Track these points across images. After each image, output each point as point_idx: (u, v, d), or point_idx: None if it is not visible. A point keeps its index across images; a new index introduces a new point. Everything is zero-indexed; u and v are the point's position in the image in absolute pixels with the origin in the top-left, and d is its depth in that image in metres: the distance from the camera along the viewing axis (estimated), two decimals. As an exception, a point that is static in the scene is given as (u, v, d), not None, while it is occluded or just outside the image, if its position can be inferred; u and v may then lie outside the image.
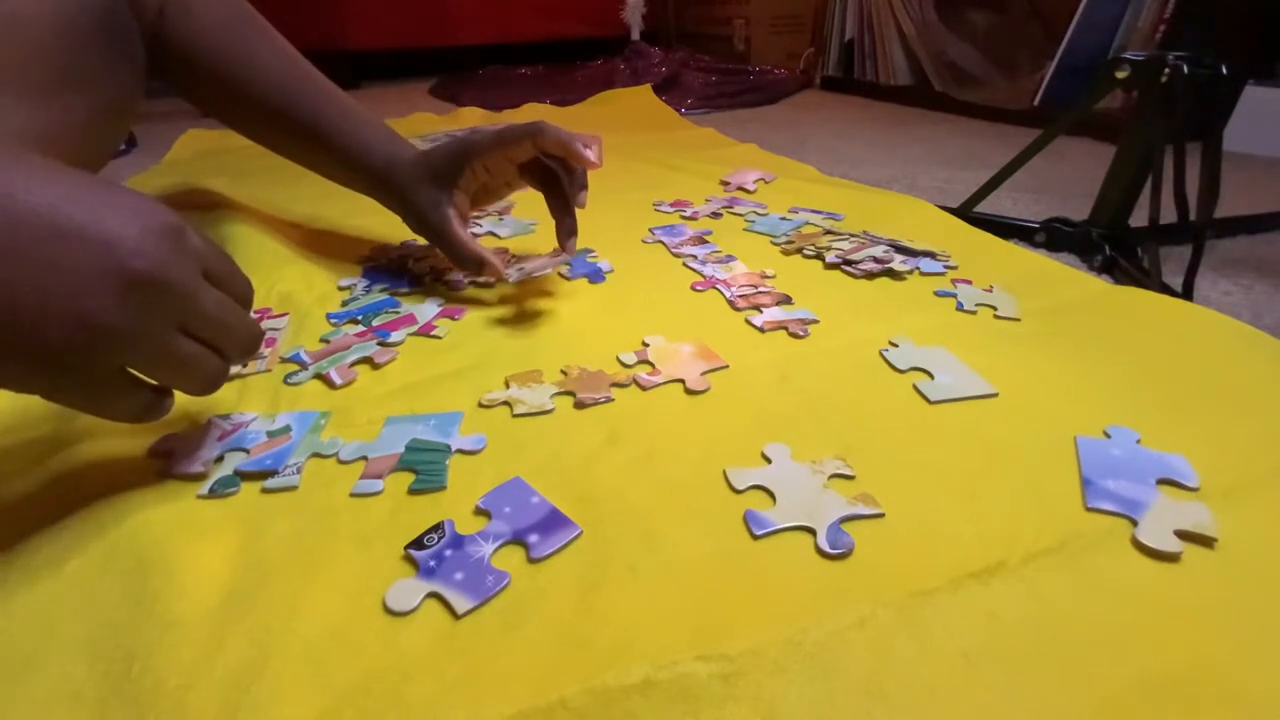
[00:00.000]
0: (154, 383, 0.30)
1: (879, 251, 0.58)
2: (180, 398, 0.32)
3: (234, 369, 0.43)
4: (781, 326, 0.48)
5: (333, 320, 0.50)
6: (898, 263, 0.57)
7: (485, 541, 0.30)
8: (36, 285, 0.25)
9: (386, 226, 0.71)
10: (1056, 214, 0.69)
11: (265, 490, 0.34)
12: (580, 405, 0.40)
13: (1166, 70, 0.59)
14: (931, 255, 0.59)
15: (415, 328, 0.49)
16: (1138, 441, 0.36)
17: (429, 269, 0.58)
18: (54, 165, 0.27)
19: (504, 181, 0.54)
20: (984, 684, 0.24)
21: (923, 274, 0.56)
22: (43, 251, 0.25)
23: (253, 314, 0.33)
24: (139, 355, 0.28)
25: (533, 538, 0.30)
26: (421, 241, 0.65)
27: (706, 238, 0.65)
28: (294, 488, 0.34)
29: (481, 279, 0.53)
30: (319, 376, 0.43)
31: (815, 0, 1.78)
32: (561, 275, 0.58)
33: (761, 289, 0.54)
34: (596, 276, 0.58)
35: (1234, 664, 0.25)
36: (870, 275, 0.56)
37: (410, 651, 0.26)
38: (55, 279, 0.25)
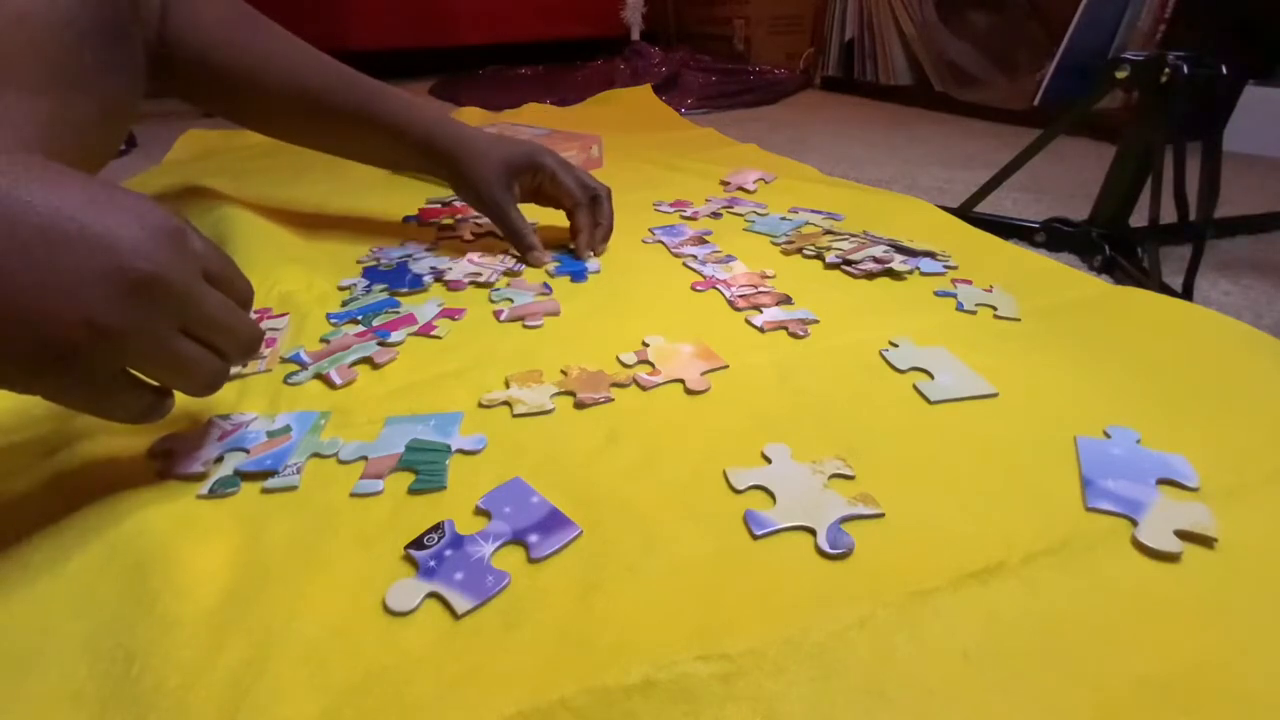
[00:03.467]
0: (155, 384, 0.30)
1: (879, 251, 0.58)
2: (180, 397, 0.32)
3: (234, 369, 0.43)
4: (781, 326, 0.48)
5: (333, 320, 0.50)
6: (898, 263, 0.57)
7: (485, 541, 0.30)
8: (38, 286, 0.25)
9: (387, 227, 0.71)
10: (1056, 214, 0.69)
11: (265, 490, 0.34)
12: (580, 405, 0.40)
13: (1166, 70, 0.59)
14: (931, 255, 0.59)
15: (415, 328, 0.49)
16: (1138, 441, 0.36)
17: (429, 269, 0.58)
18: (55, 167, 0.27)
19: (550, 196, 0.62)
20: (984, 684, 0.24)
21: (923, 274, 0.56)
22: (45, 253, 0.25)
23: (252, 314, 0.33)
24: (140, 356, 0.28)
25: (533, 538, 0.30)
26: (423, 241, 0.65)
27: (706, 238, 0.65)
28: (294, 488, 0.34)
29: (527, 259, 0.60)
30: (319, 376, 0.43)
31: (815, 0, 1.78)
32: (548, 273, 0.58)
33: (761, 289, 0.54)
34: (579, 276, 0.57)
35: (1234, 664, 0.25)
36: (870, 275, 0.56)
37: (410, 651, 0.26)
38: (57, 280, 0.25)
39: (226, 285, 0.31)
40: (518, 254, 0.61)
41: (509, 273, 0.58)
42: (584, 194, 0.61)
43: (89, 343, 0.26)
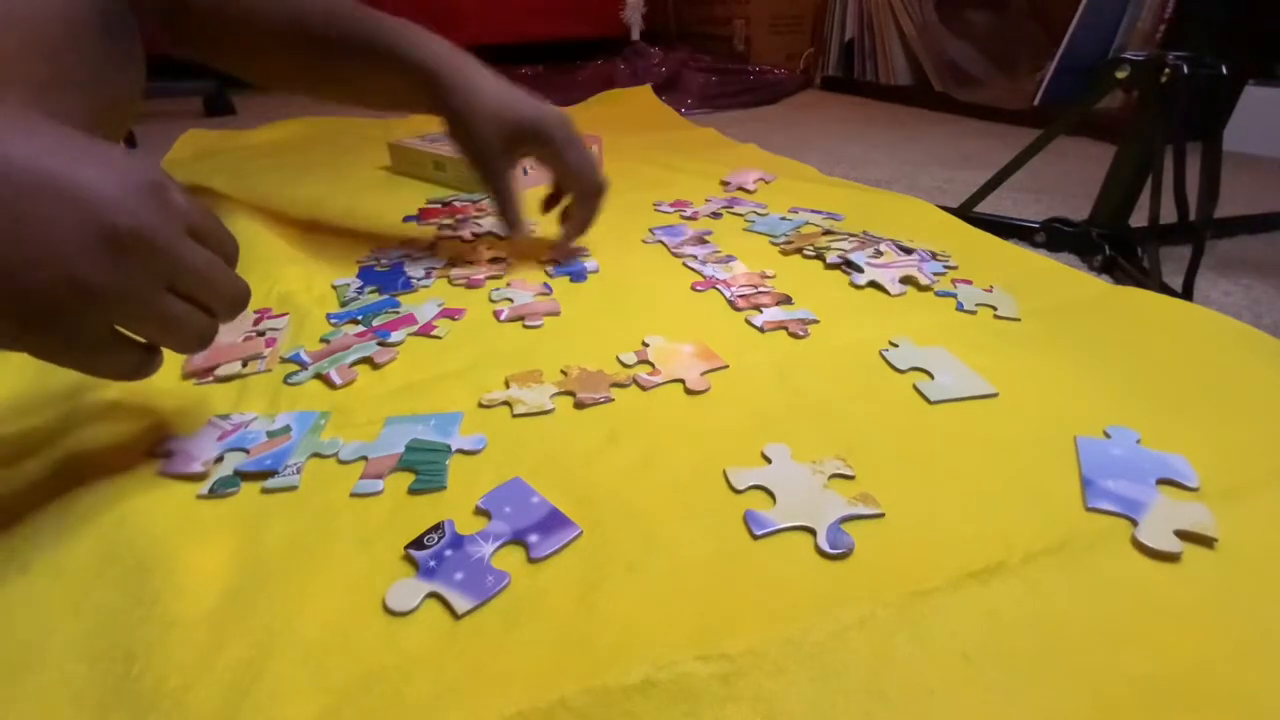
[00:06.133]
0: (142, 341, 0.30)
1: (911, 269, 0.56)
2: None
3: (234, 369, 0.43)
4: (781, 326, 0.48)
5: (333, 320, 0.50)
6: (923, 277, 0.54)
7: (485, 541, 0.30)
8: (20, 241, 0.24)
9: (387, 227, 0.71)
10: (1056, 214, 0.69)
11: (265, 490, 0.34)
12: (580, 405, 0.40)
13: (1166, 70, 0.59)
14: (931, 255, 0.59)
15: (415, 328, 0.49)
16: (1138, 441, 0.36)
17: (424, 270, 0.58)
18: (35, 119, 0.27)
19: (551, 171, 0.59)
20: (984, 684, 0.24)
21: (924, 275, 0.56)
22: (24, 206, 0.24)
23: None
24: (126, 313, 0.28)
25: (533, 538, 0.30)
26: (423, 242, 0.65)
27: (706, 238, 0.65)
28: (294, 488, 0.34)
29: (510, 232, 0.58)
30: (319, 376, 0.43)
31: (815, 0, 1.78)
32: (548, 273, 0.58)
33: (761, 289, 0.54)
34: (579, 276, 0.58)
35: (1234, 664, 0.25)
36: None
37: (410, 651, 0.26)
38: (39, 234, 0.25)
39: (211, 241, 0.31)
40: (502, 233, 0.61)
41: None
42: (590, 184, 0.57)
43: (73, 300, 0.26)
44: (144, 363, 0.31)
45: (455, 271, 0.58)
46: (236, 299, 0.32)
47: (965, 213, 0.71)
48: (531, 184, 0.85)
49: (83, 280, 0.25)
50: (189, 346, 0.31)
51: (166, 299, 0.29)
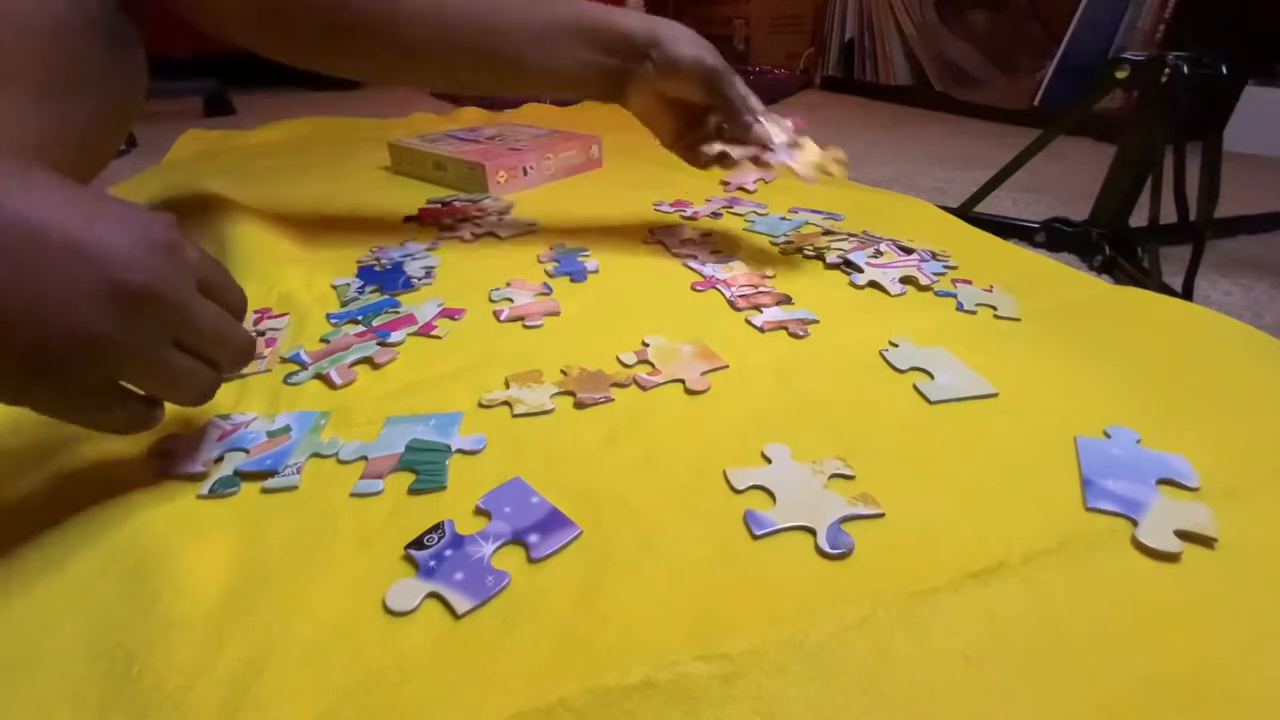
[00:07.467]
0: (144, 394, 0.30)
1: (910, 270, 0.56)
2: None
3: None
4: (781, 326, 0.48)
5: (333, 320, 0.50)
6: (923, 277, 0.55)
7: (485, 541, 0.30)
8: (31, 296, 0.25)
9: (387, 227, 0.71)
10: (1056, 214, 0.69)
11: (265, 490, 0.34)
12: (580, 405, 0.40)
13: (1166, 70, 0.59)
14: (931, 255, 0.59)
15: (415, 328, 0.49)
16: (1138, 441, 0.36)
17: (423, 270, 0.58)
18: (50, 176, 0.27)
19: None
20: (984, 684, 0.24)
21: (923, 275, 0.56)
22: (38, 263, 0.25)
23: (252, 315, 0.33)
24: (132, 368, 0.28)
25: (533, 538, 0.30)
26: (423, 241, 0.65)
27: (706, 238, 0.65)
28: (294, 488, 0.34)
29: (751, 133, 0.55)
30: (319, 376, 0.43)
31: (815, 0, 1.79)
32: (548, 273, 0.58)
33: (761, 289, 0.54)
34: (579, 276, 0.57)
35: (1234, 664, 0.25)
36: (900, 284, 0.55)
37: (410, 651, 0.26)
38: (50, 291, 0.25)
39: (220, 295, 0.31)
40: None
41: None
42: (750, 109, 0.56)
43: (81, 355, 0.26)
44: (146, 417, 0.31)
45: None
46: (242, 354, 0.32)
47: (965, 213, 0.71)
48: (530, 185, 0.85)
49: (91, 334, 0.26)
50: (192, 400, 0.31)
51: (172, 354, 0.29)
